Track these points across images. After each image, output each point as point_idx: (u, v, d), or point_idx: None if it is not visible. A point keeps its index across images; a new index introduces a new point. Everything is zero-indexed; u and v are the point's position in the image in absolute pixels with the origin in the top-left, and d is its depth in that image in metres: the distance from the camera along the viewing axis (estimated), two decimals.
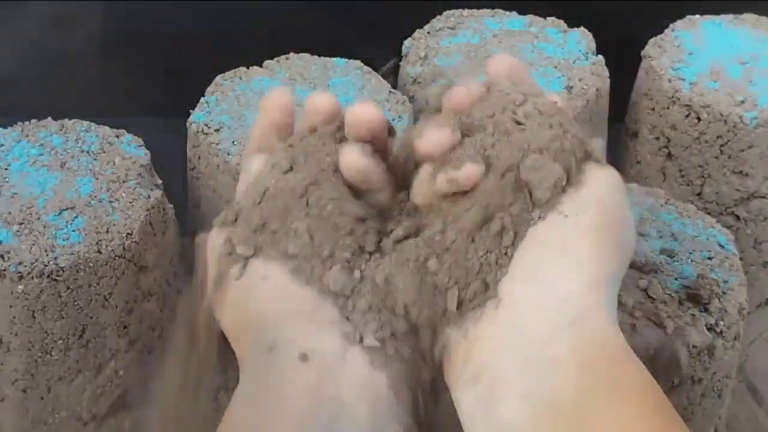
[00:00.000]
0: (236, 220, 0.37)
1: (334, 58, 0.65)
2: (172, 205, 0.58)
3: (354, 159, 0.37)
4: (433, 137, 0.36)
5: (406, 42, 0.69)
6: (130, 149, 0.58)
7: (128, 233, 0.53)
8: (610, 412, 0.33)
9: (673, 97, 0.63)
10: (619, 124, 0.71)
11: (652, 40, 0.68)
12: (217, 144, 0.58)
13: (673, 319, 0.50)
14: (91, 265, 0.51)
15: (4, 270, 0.50)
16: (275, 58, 0.65)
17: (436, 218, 0.37)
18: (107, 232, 0.52)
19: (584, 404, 0.33)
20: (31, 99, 0.80)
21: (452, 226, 0.36)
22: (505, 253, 0.35)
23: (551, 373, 0.33)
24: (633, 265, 0.52)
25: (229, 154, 0.57)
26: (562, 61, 0.66)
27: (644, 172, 0.68)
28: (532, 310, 0.34)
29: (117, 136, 0.59)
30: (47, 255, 0.51)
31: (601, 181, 0.36)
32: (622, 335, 0.35)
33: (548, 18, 0.71)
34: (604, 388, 0.33)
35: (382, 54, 0.67)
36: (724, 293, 0.50)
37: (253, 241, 0.36)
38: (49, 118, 0.60)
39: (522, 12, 0.71)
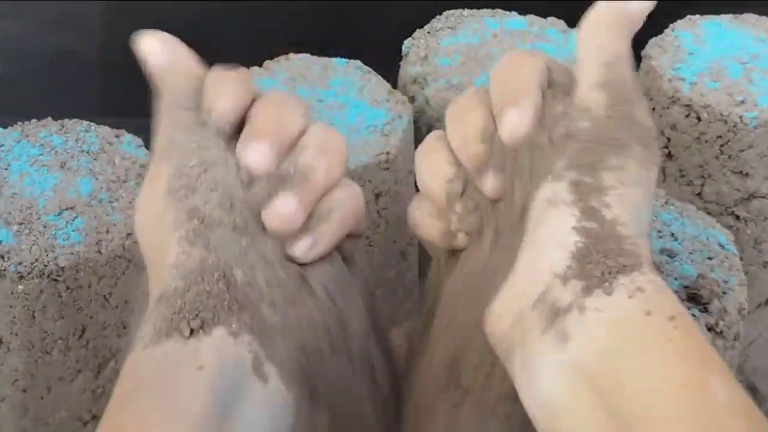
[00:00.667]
0: None
1: (334, 58, 0.65)
2: None
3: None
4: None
5: (406, 42, 0.69)
6: (130, 149, 0.58)
7: (128, 233, 0.53)
8: (638, 367, 0.32)
9: (673, 97, 0.63)
10: None
11: (652, 40, 0.68)
12: None
13: None
14: (91, 265, 0.51)
15: (4, 270, 0.50)
16: (275, 58, 0.65)
17: None
18: (107, 232, 0.52)
19: (611, 364, 0.32)
20: (31, 99, 0.80)
21: None
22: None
23: (575, 335, 0.33)
24: None
25: None
26: (562, 61, 0.66)
27: None
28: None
29: (117, 136, 0.59)
30: (47, 255, 0.51)
31: None
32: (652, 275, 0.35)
33: (548, 18, 0.71)
34: (629, 342, 0.33)
35: (382, 54, 0.67)
36: (724, 293, 0.50)
37: None
38: (49, 118, 0.60)
39: (522, 12, 0.71)
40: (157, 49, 0.40)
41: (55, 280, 0.51)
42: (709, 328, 0.49)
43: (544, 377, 0.33)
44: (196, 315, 0.34)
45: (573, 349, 0.33)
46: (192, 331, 0.33)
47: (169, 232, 0.37)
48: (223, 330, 0.34)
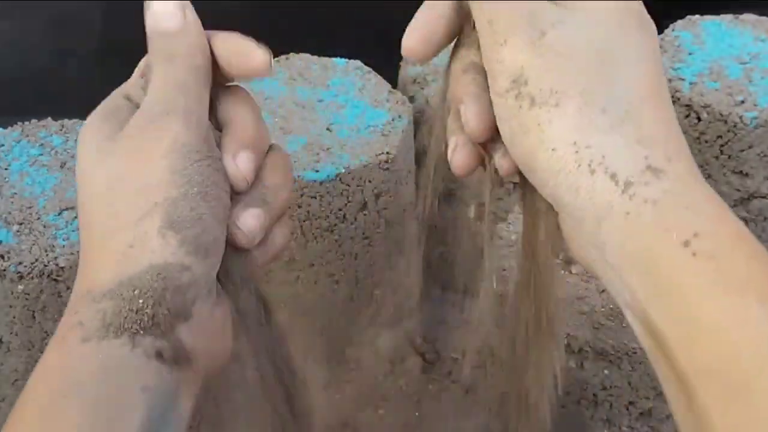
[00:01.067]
0: None
1: (334, 58, 0.65)
2: None
3: None
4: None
5: None
6: None
7: None
8: (668, 315, 0.29)
9: (673, 97, 0.63)
10: None
11: None
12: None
13: None
14: None
15: (4, 270, 0.50)
16: (275, 58, 0.65)
17: None
18: None
19: (649, 313, 0.30)
20: (31, 99, 0.80)
21: None
22: None
23: (618, 281, 0.31)
24: None
25: None
26: None
27: None
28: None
29: None
30: (47, 255, 0.51)
31: None
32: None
33: None
34: (650, 287, 0.30)
35: (382, 54, 0.67)
36: None
37: None
38: (49, 118, 0.60)
39: None
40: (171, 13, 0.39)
41: (55, 280, 0.50)
42: None
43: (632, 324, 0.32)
44: (154, 319, 0.32)
45: (627, 300, 0.31)
46: (143, 330, 0.32)
47: (150, 208, 0.34)
48: (166, 343, 0.32)
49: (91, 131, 0.38)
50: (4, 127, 0.59)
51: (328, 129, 0.59)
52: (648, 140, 0.32)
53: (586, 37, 0.33)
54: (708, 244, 0.29)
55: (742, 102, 0.61)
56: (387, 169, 0.58)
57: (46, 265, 0.50)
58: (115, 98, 0.39)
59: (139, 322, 0.32)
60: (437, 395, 0.63)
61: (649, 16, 0.35)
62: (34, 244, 0.51)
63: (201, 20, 0.40)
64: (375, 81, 0.63)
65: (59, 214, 0.53)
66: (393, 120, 0.59)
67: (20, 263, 0.50)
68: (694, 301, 0.28)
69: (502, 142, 0.35)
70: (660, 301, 0.29)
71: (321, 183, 0.55)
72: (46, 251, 0.51)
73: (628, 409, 0.52)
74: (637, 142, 0.32)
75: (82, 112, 0.61)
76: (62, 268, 0.50)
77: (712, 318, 0.28)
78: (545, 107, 0.32)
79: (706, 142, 0.62)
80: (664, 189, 0.31)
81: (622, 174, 0.31)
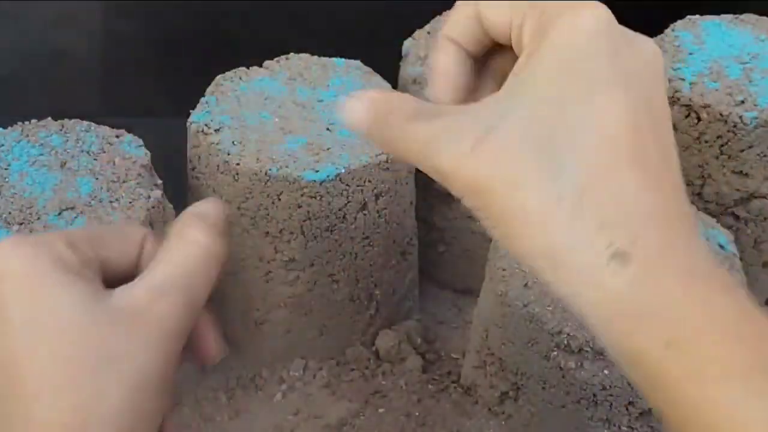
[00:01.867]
0: None
1: (334, 58, 0.65)
2: (172, 205, 0.58)
3: None
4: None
5: (406, 42, 0.69)
6: (130, 149, 0.58)
7: None
8: (661, 402, 0.29)
9: (673, 97, 0.63)
10: None
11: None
12: (217, 144, 0.58)
13: None
14: None
15: None
16: (275, 58, 0.65)
17: None
18: None
19: (647, 397, 0.30)
20: (31, 99, 0.80)
21: None
22: None
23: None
24: None
25: (229, 154, 0.57)
26: None
27: None
28: None
29: (117, 136, 0.59)
30: None
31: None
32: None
33: None
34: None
35: (382, 54, 0.67)
36: None
37: None
38: (49, 118, 0.60)
39: None
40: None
41: None
42: None
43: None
44: None
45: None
46: None
47: None
48: None
49: (79, 282, 0.32)
50: (4, 127, 0.59)
51: (328, 129, 0.59)
52: (610, 222, 0.29)
53: (523, 126, 0.30)
54: (679, 331, 0.28)
55: (742, 102, 0.61)
56: (387, 169, 0.58)
57: None
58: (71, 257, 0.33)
59: None
60: (437, 395, 0.63)
61: (625, 40, 0.32)
62: None
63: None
64: (375, 81, 0.63)
65: (59, 214, 0.53)
66: None
67: None
68: (680, 395, 0.28)
69: None
70: (651, 390, 0.29)
71: (321, 183, 0.55)
72: None
73: (627, 409, 0.52)
74: (599, 227, 0.29)
75: (82, 112, 0.61)
76: None
77: (701, 413, 0.27)
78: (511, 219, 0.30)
79: (706, 142, 0.62)
80: (628, 280, 0.28)
81: (590, 269, 0.29)
